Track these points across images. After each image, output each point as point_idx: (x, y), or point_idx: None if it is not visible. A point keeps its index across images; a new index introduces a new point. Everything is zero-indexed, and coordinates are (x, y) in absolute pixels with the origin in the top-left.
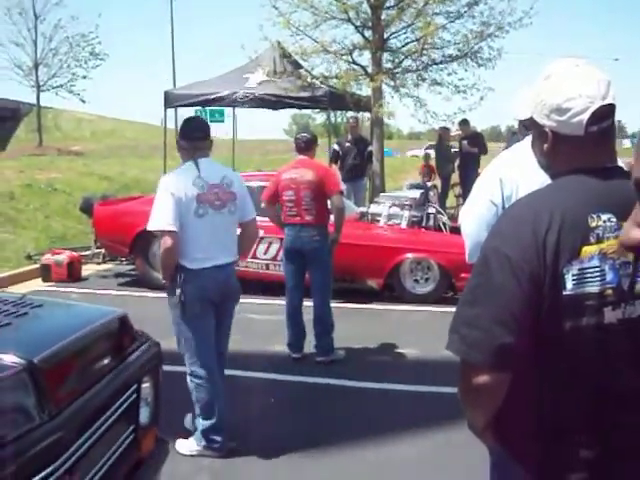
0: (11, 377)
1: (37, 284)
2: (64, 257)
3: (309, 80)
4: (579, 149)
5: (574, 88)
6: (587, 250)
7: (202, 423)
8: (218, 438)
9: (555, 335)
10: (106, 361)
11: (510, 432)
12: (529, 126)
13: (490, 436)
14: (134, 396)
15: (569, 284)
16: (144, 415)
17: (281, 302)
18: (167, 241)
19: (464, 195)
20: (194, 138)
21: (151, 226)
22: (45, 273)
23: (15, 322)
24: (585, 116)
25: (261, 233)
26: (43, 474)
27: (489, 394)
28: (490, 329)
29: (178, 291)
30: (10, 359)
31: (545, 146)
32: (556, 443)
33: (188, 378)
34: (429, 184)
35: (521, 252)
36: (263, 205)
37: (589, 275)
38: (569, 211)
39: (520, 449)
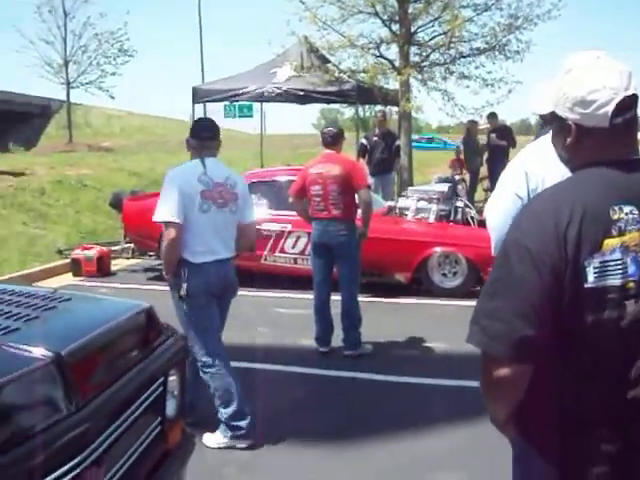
0: (39, 369)
1: (68, 279)
2: (94, 252)
3: (337, 74)
4: (603, 141)
5: (597, 80)
6: (609, 243)
7: (223, 412)
8: (242, 424)
9: (576, 328)
10: (133, 354)
11: (532, 424)
12: (548, 121)
13: (512, 429)
14: (161, 389)
15: (590, 277)
16: (170, 408)
17: (309, 296)
18: (171, 232)
19: (492, 189)
20: (203, 138)
21: (156, 217)
22: (75, 268)
23: (43, 316)
24: (610, 107)
25: (289, 227)
26: (71, 464)
27: (510, 386)
28: (511, 321)
29: (184, 286)
30: (38, 352)
31: (568, 140)
32: (577, 435)
33: (200, 371)
34: (457, 178)
35: (542, 245)
36: (291, 200)
37: (611, 268)
38: (591, 204)
39: (542, 441)
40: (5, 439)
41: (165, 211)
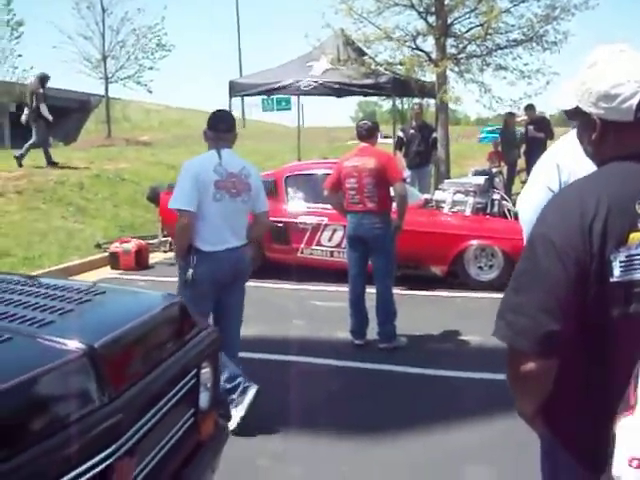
0: (73, 362)
1: (106, 272)
2: (132, 245)
3: (373, 67)
4: (628, 135)
5: (621, 73)
6: (635, 237)
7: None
8: (239, 380)
9: (602, 322)
10: (166, 346)
11: (558, 417)
12: (573, 116)
13: (540, 422)
14: (194, 381)
15: (616, 271)
16: (204, 400)
17: (345, 289)
18: (184, 219)
19: None
20: (219, 129)
21: (171, 204)
22: (113, 261)
23: (78, 309)
24: (635, 101)
25: (325, 220)
26: (104, 454)
27: (536, 381)
28: (536, 316)
29: (190, 271)
30: (72, 344)
31: (593, 135)
32: (605, 429)
33: None
34: (495, 170)
35: (567, 238)
36: (326, 193)
37: (637, 262)
38: (616, 198)
39: (568, 434)
40: (39, 429)
41: (179, 199)
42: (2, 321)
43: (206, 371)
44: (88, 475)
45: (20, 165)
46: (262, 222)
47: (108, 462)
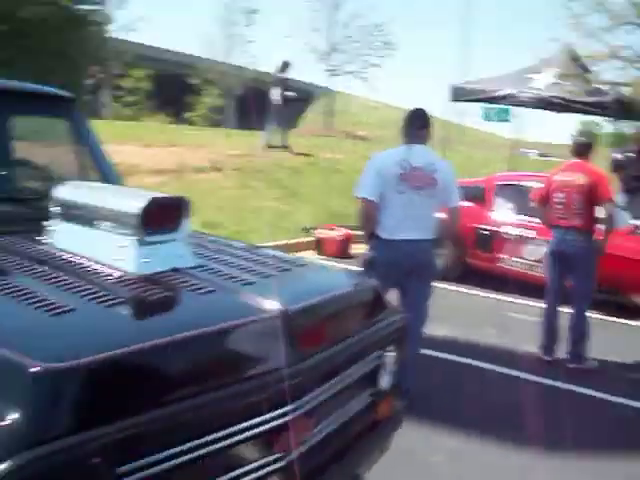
0: (266, 320)
1: (308, 255)
2: (339, 234)
3: (596, 85)
4: None
5: None
6: None
7: None
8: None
9: None
10: (354, 323)
11: None
12: None
13: None
14: (377, 362)
15: None
16: (384, 382)
17: (539, 304)
18: (365, 208)
19: None
20: (413, 126)
21: (356, 193)
22: (318, 246)
23: (279, 275)
24: None
25: (532, 234)
26: (282, 410)
27: None
28: None
29: (370, 254)
30: (268, 305)
31: None
32: None
33: None
34: None
35: None
36: (533, 204)
37: None
38: None
39: None
40: (228, 374)
41: (361, 188)
42: (211, 275)
43: (391, 355)
44: (266, 426)
45: (285, 147)
46: (452, 217)
47: (285, 419)
